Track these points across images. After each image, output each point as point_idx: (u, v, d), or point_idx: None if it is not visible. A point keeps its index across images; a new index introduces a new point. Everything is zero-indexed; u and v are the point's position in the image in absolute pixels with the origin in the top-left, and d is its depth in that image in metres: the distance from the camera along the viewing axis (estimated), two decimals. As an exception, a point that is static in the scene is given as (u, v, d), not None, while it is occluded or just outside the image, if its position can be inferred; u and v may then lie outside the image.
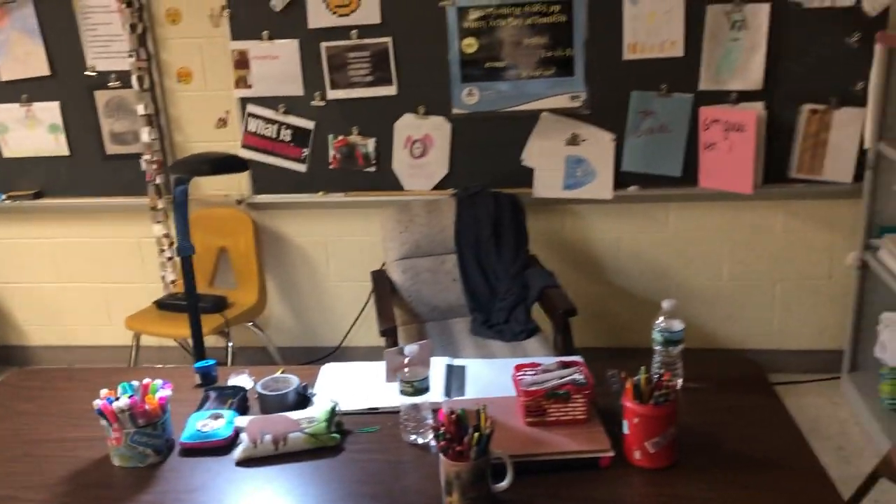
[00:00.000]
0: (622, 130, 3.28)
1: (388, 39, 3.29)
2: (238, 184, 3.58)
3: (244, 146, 3.50)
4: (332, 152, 3.47)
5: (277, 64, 3.37)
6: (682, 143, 3.26)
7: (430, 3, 3.22)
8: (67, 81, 3.51)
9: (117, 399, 1.66)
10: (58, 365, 3.97)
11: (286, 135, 3.46)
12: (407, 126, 3.39)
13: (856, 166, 3.18)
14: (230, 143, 3.53)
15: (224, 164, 1.83)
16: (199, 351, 2.40)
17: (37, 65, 3.50)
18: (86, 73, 3.48)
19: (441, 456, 1.46)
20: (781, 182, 3.25)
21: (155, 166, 3.50)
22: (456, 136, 3.37)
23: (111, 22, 3.40)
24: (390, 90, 3.35)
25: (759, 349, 3.53)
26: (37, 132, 3.60)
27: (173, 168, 1.96)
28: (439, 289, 3.07)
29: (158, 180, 3.53)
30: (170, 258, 3.62)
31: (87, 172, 3.62)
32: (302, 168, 3.50)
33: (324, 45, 3.32)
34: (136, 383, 1.73)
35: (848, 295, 3.32)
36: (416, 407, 1.71)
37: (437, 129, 3.38)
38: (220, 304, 3.36)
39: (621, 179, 3.33)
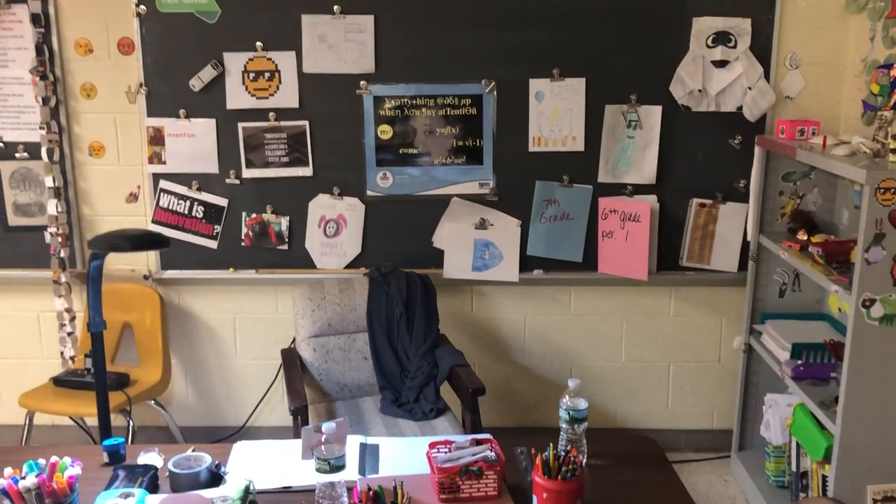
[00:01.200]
0: (528, 217, 3.45)
1: (305, 123, 3.39)
2: (146, 259, 3.54)
3: (154, 221, 3.49)
4: (244, 229, 3.49)
5: (193, 141, 3.41)
6: (583, 231, 3.46)
7: (348, 90, 3.35)
8: (-29, 150, 3.43)
9: (23, 478, 1.62)
10: (-63, 446, 3.73)
11: (198, 211, 3.48)
12: (321, 206, 3.47)
13: (739, 257, 3.44)
14: (140, 217, 3.51)
15: (144, 241, 1.85)
16: (106, 429, 2.35)
17: (-61, 132, 3.41)
18: (-8, 142, 3.42)
19: (359, 532, 1.49)
20: (673, 270, 3.48)
21: (60, 239, 3.43)
22: (369, 217, 3.47)
23: (23, 94, 3.38)
24: (306, 171, 3.43)
25: (656, 428, 3.69)
26: (-67, 200, 3.48)
27: (92, 243, 1.96)
28: (350, 367, 3.10)
29: (63, 254, 3.45)
30: (70, 333, 3.52)
31: (-15, 243, 3.51)
32: (213, 244, 3.51)
33: (241, 125, 3.39)
34: (42, 461, 1.70)
35: (735, 377, 3.54)
36: (331, 485, 1.74)
37: (351, 210, 3.47)
38: (122, 381, 3.28)
39: (526, 263, 3.48)
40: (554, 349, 3.62)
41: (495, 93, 3.36)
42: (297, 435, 2.67)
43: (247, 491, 1.76)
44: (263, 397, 3.68)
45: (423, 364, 3.05)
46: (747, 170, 3.34)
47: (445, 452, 1.79)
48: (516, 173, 3.42)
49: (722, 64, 3.28)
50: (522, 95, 3.35)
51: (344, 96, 3.36)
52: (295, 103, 3.37)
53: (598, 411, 3.66)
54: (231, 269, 3.52)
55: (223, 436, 3.70)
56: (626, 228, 3.38)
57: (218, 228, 3.49)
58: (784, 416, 3.21)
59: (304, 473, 1.88)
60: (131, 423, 3.22)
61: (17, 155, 3.43)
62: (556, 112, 3.36)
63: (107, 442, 1.97)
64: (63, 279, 3.47)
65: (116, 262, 3.53)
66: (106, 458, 1.97)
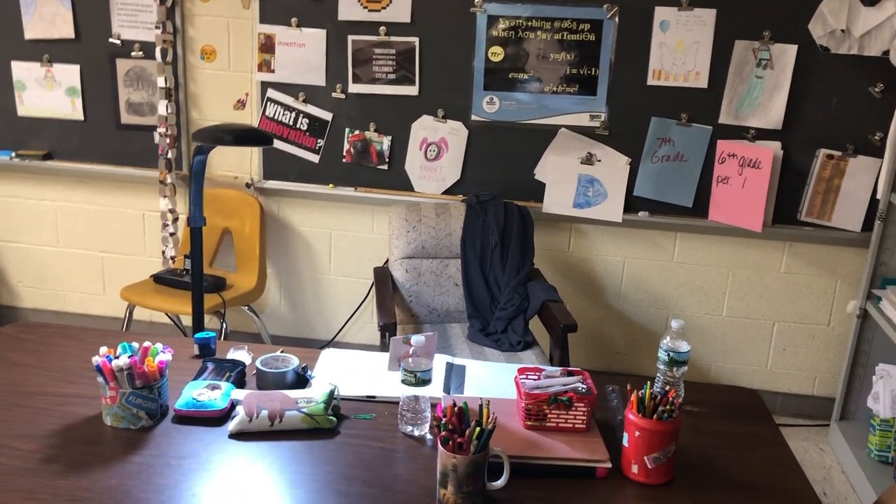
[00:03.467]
0: (638, 155, 3.29)
1: (415, 39, 3.29)
2: (249, 166, 3.57)
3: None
4: (346, 146, 3.46)
5: (303, 52, 3.37)
6: (696, 174, 3.27)
7: (461, 8, 3.23)
8: (90, 46, 3.50)
9: (117, 358, 1.64)
10: (46, 329, 3.93)
11: (303, 123, 3.46)
12: (424, 128, 3.39)
13: (865, 216, 3.18)
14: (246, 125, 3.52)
15: (248, 136, 1.82)
16: (199, 323, 2.38)
17: (62, 27, 3.49)
18: (110, 40, 3.47)
19: (439, 447, 1.45)
20: (789, 224, 3.26)
21: (168, 140, 3.48)
22: (471, 143, 3.37)
23: (142, -8, 3.40)
24: (412, 90, 3.35)
25: (751, 388, 3.51)
26: (54, 94, 3.58)
27: (197, 135, 1.95)
28: (440, 291, 3.05)
29: (170, 154, 3.51)
30: (172, 234, 3.60)
31: (99, 139, 3.60)
32: (315, 158, 3.49)
33: (351, 38, 3.33)
34: (135, 345, 1.72)
35: (844, 343, 3.33)
36: (415, 398, 1.69)
37: (454, 134, 3.38)
38: (218, 285, 3.34)
39: (631, 204, 3.33)
40: (651, 296, 3.48)
41: (617, 19, 3.17)
42: (384, 350, 2.67)
43: (331, 395, 1.74)
44: (353, 314, 3.70)
45: (513, 296, 2.98)
46: (886, 122, 3.07)
47: (534, 379, 1.72)
48: (631, 107, 3.24)
49: (872, 2, 2.98)
50: (646, 24, 3.16)
51: (457, 14, 3.24)
52: (407, 18, 3.27)
53: (692, 364, 3.52)
54: (330, 185, 3.50)
55: (311, 348, 3.74)
56: (745, 175, 3.17)
57: (321, 143, 3.47)
58: (894, 388, 2.99)
59: (388, 385, 1.85)
60: (224, 325, 3.28)
61: (132, 53, 3.48)
62: (680, 44, 3.15)
63: (198, 335, 1.99)
64: (169, 180, 3.53)
65: (220, 168, 3.57)
66: (196, 351, 1.99)
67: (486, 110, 3.33)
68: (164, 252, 3.64)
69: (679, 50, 3.16)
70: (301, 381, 1.88)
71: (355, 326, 3.73)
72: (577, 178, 3.34)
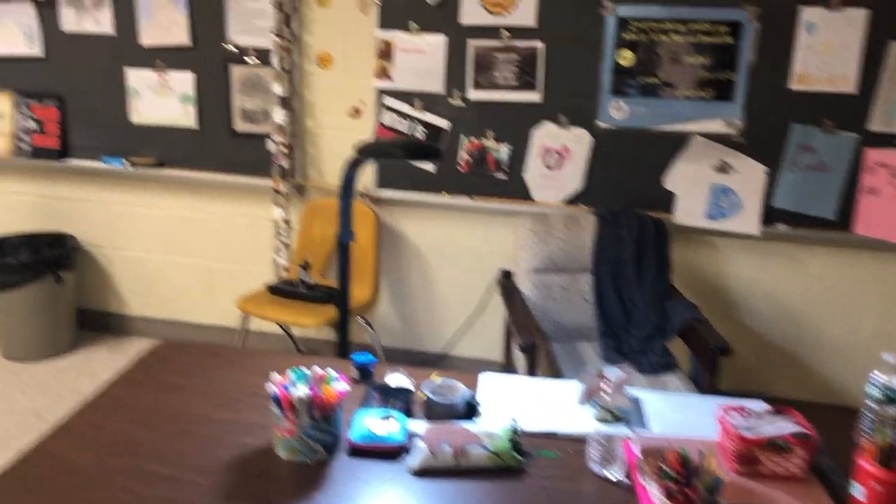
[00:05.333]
0: (776, 164, 3.09)
1: (539, 43, 3.16)
2: (363, 176, 3.48)
3: (375, 138, 3.40)
4: (463, 154, 3.35)
5: (422, 58, 3.27)
6: (840, 185, 3.06)
7: (590, 10, 3.09)
8: (205, 53, 3.46)
9: (294, 386, 1.54)
10: (153, 337, 3.92)
11: (419, 132, 3.36)
12: (546, 135, 3.26)
13: None
14: (361, 134, 3.44)
15: (419, 150, 1.71)
16: (344, 344, 2.29)
17: (178, 34, 3.46)
18: (225, 46, 3.43)
19: (659, 497, 1.31)
20: (944, 238, 3.02)
21: (283, 148, 3.42)
22: (596, 151, 3.22)
23: (258, -2, 3.34)
24: (534, 96, 3.22)
25: None
26: (167, 101, 3.55)
27: (363, 149, 1.85)
28: (569, 307, 2.91)
29: (285, 163, 3.45)
30: (285, 243, 3.54)
31: (212, 147, 3.56)
32: (430, 167, 3.39)
33: (472, 42, 3.21)
34: (306, 371, 1.62)
35: None
36: (608, 437, 1.56)
37: (577, 142, 3.24)
38: (332, 296, 3.26)
39: (768, 215, 3.14)
40: (785, 313, 3.28)
41: (757, 21, 2.98)
42: (507, 369, 2.53)
43: (514, 431, 1.61)
44: (465, 327, 3.58)
45: (651, 313, 2.82)
46: None
47: (743, 419, 1.57)
48: (770, 114, 3.05)
49: None
50: (789, 25, 2.97)
51: (585, 16, 3.10)
52: (531, 22, 3.15)
53: (822, 385, 3.31)
54: (445, 194, 3.39)
55: (421, 360, 3.65)
56: (897, 186, 2.95)
57: (437, 150, 3.35)
58: None
59: (567, 418, 1.72)
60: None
61: (247, 60, 3.43)
62: (827, 46, 2.95)
63: (358, 358, 1.89)
64: (283, 188, 3.47)
65: (334, 176, 3.50)
66: (356, 374, 1.89)
67: (613, 116, 3.18)
68: (276, 262, 3.58)
69: (825, 52, 2.96)
70: (470, 409, 1.76)
71: (466, 338, 3.62)
72: (709, 187, 3.17)
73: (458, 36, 3.21)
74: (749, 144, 3.10)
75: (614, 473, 1.56)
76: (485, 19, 3.18)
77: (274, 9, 3.29)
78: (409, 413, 1.75)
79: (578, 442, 1.66)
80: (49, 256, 3.56)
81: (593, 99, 3.18)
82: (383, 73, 3.32)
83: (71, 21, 3.54)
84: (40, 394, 3.35)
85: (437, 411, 1.74)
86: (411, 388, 1.83)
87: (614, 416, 1.52)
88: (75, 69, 3.59)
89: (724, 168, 3.14)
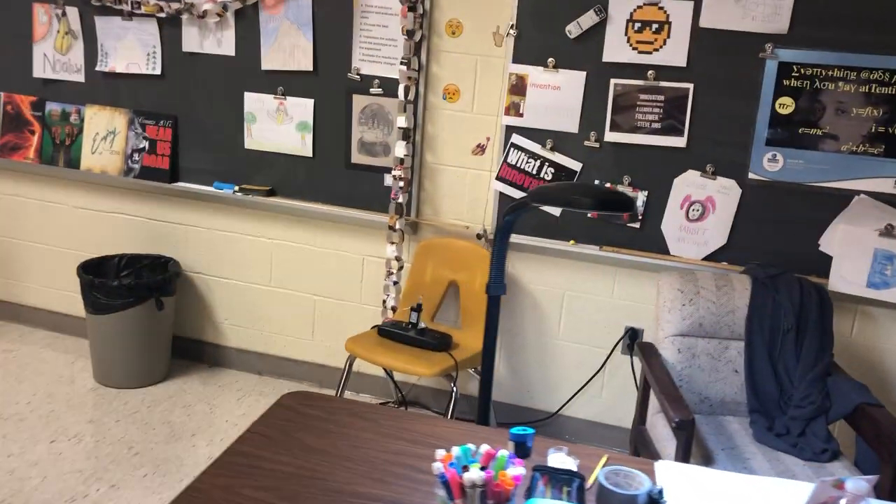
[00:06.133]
0: (953, 231, 2.76)
1: (689, 85, 2.92)
2: (483, 216, 3.28)
3: (499, 178, 3.20)
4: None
5: (557, 95, 3.06)
6: None
7: (748, 52, 2.84)
8: (327, 81, 3.32)
9: (465, 469, 1.31)
10: (247, 370, 3.76)
11: (547, 173, 3.14)
12: (689, 184, 3.00)
13: None
14: (483, 172, 3.25)
15: (611, 200, 1.48)
16: (487, 410, 2.05)
17: (301, 59, 3.33)
18: (348, 74, 3.28)
19: None
20: None
21: (402, 183, 3.24)
22: (744, 204, 2.94)
23: (387, 25, 3.20)
24: (679, 142, 2.97)
25: None
26: (284, 128, 3.42)
27: (536, 195, 1.63)
28: (716, 378, 2.62)
29: (402, 199, 3.26)
30: (395, 283, 3.34)
31: (326, 178, 3.41)
32: (556, 211, 3.16)
33: (613, 81, 2.99)
34: (471, 447, 1.39)
35: None
36: (840, 559, 1.28)
37: (724, 193, 2.96)
38: (445, 343, 3.04)
39: (940, 288, 2.80)
40: (952, 398, 2.91)
41: (942, 72, 2.68)
42: (637, 440, 2.20)
43: (717, 540, 1.34)
44: (584, 387, 3.31)
45: (811, 392, 2.50)
46: None
47: None
48: (949, 175, 2.73)
49: None
50: (979, 78, 2.65)
51: (742, 59, 2.85)
52: (681, 62, 2.91)
53: None
54: (571, 242, 3.15)
55: (531, 418, 3.39)
56: None
57: (565, 194, 3.12)
58: None
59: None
60: (455, 390, 2.96)
61: (371, 90, 3.27)
62: None
63: (515, 431, 1.65)
64: (398, 226, 3.29)
65: (449, 215, 3.30)
66: (511, 450, 1.65)
67: (767, 168, 2.90)
68: (384, 301, 3.38)
69: None
70: (653, 505, 1.49)
71: (581, 399, 3.34)
72: (872, 252, 2.84)
73: (599, 73, 3.00)
74: (922, 207, 2.78)
75: None
76: (630, 57, 2.95)
77: (404, 37, 3.14)
78: (582, 503, 1.50)
79: (794, 559, 1.37)
80: (151, 281, 3.45)
81: (745, 148, 2.91)
82: (513, 110, 3.12)
83: (193, 40, 3.46)
84: (132, 423, 3.21)
85: (611, 502, 1.48)
86: (578, 471, 1.58)
87: (856, 538, 1.25)
88: (192, 90, 3.50)
89: (890, 232, 2.82)
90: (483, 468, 1.32)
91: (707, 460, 2.27)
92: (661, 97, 2.96)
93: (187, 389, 3.56)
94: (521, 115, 3.12)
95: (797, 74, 2.82)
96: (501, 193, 3.21)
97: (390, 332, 3.11)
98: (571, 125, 3.08)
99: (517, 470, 1.34)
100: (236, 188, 3.52)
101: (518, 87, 3.10)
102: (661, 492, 1.52)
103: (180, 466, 2.94)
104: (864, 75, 2.76)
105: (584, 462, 1.64)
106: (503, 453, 1.38)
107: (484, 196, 3.27)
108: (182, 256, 3.74)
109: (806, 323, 2.61)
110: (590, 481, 1.58)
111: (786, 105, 2.85)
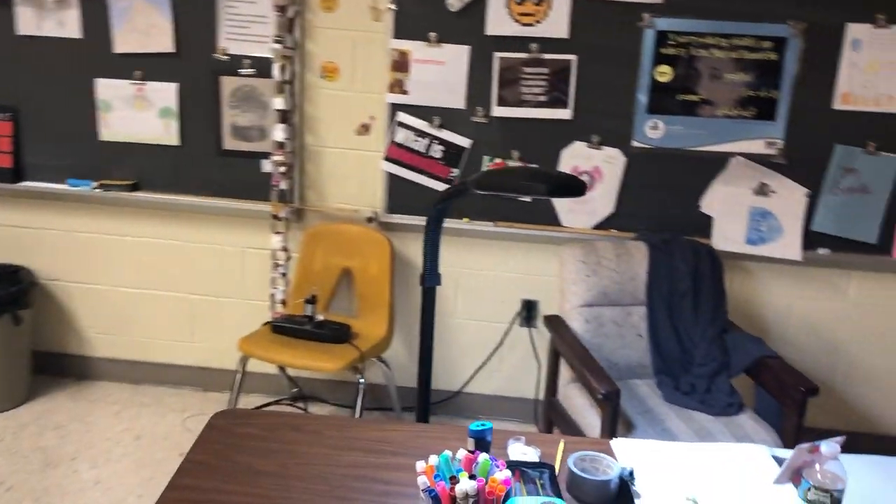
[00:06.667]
0: (818, 186, 2.96)
1: (572, 57, 2.93)
2: (372, 199, 3.16)
3: (387, 158, 3.09)
4: (484, 175, 3.07)
5: (441, 70, 2.98)
6: (883, 208, 2.95)
7: (627, 22, 2.89)
8: (191, 62, 3.06)
9: (454, 481, 1.23)
10: (121, 381, 3.46)
11: (436, 151, 3.07)
12: (576, 155, 3.03)
13: None
14: (370, 153, 3.13)
15: (565, 185, 1.42)
16: (426, 408, 1.96)
17: (160, 39, 3.05)
18: (215, 55, 3.05)
19: None
20: (982, 261, 2.95)
21: (283, 169, 3.06)
22: (628, 173, 3.01)
23: (256, 1, 2.98)
24: (564, 114, 2.99)
25: (928, 440, 3.22)
26: (145, 115, 3.14)
27: (478, 182, 1.55)
28: (622, 344, 2.68)
29: (284, 185, 3.09)
30: (283, 274, 3.17)
31: (196, 167, 3.17)
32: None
33: (498, 55, 2.95)
34: (449, 453, 1.31)
35: None
36: (816, 520, 1.32)
37: (610, 162, 3.02)
38: (345, 334, 2.92)
39: (808, 240, 3.00)
40: (820, 341, 3.15)
41: (802, 37, 2.84)
42: (550, 410, 2.20)
43: (700, 516, 1.35)
44: (484, 363, 3.30)
45: (712, 350, 2.62)
46: None
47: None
48: (812, 134, 2.92)
49: None
50: (835, 42, 2.84)
51: (622, 29, 2.89)
52: (563, 33, 2.92)
53: (863, 415, 3.20)
54: (465, 220, 3.11)
55: (433, 399, 3.34)
56: (944, 209, 2.86)
57: (455, 172, 3.08)
58: None
59: (748, 494, 1.47)
60: (362, 381, 2.86)
61: (241, 71, 3.06)
62: (873, 65, 2.84)
63: (474, 427, 1.59)
64: (283, 214, 3.11)
65: (337, 199, 3.17)
66: (471, 446, 1.59)
67: (649, 136, 2.98)
68: (273, 295, 3.20)
69: (871, 71, 2.85)
70: (623, 488, 1.49)
71: (482, 375, 3.33)
72: (748, 211, 3.00)
73: (483, 47, 2.95)
74: (790, 166, 2.96)
75: (828, 564, 1.32)
76: (512, 29, 2.92)
77: (275, 13, 2.94)
78: (557, 495, 1.46)
79: (767, 524, 1.41)
80: (3, 293, 3.07)
81: (628, 117, 2.97)
82: (397, 87, 3.02)
83: (29, 22, 3.08)
84: (0, 455, 2.87)
85: (585, 490, 1.46)
86: (544, 461, 1.54)
87: (832, 499, 1.28)
88: (33, 78, 3.12)
89: (763, 191, 2.99)
90: (472, 476, 1.25)
91: (628, 427, 2.32)
92: (546, 70, 2.96)
93: (55, 409, 3.23)
94: (406, 93, 3.03)
95: (673, 43, 2.90)
96: (391, 174, 3.10)
97: (285, 328, 2.95)
98: (458, 101, 3.02)
99: (504, 474, 1.28)
100: (94, 184, 3.19)
101: (401, 64, 3.00)
102: (631, 473, 1.51)
103: (64, 496, 2.66)
104: (735, 42, 2.88)
105: (543, 449, 1.60)
106: (485, 457, 1.32)
107: (372, 178, 3.15)
108: (35, 264, 3.36)
109: (701, 284, 2.71)
110: (556, 469, 1.54)
111: (664, 73, 2.93)
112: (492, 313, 3.26)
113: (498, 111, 3.01)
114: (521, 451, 1.60)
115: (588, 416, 2.41)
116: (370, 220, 3.16)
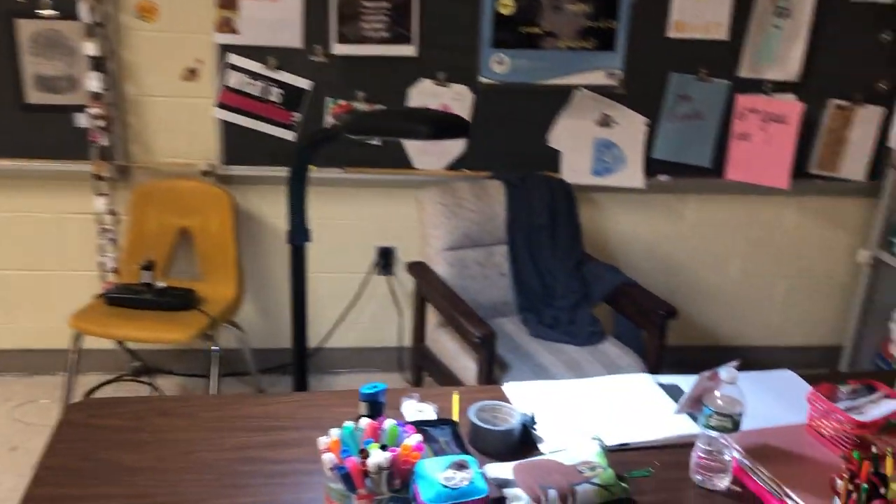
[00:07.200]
0: (656, 115, 3.05)
1: (413, -10, 2.81)
2: (205, 150, 2.91)
3: (220, 105, 2.85)
4: (329, 119, 2.92)
5: (274, 7, 2.76)
6: (715, 132, 3.10)
7: (467, -47, 2.79)
8: (-24, 3, 2.64)
9: (364, 454, 1.14)
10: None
11: (275, 95, 2.86)
12: (424, 94, 2.93)
13: (871, 166, 3.19)
14: (200, 99, 2.87)
15: (449, 125, 1.30)
16: (303, 376, 1.82)
17: (-67, -24, 2.60)
18: (5, -6, 2.64)
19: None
20: (799, 177, 3.18)
21: (102, 123, 2.74)
22: (477, 110, 2.96)
23: (50, -70, 2.60)
24: (408, 50, 2.87)
25: (757, 346, 3.48)
26: (-76, 68, 2.69)
27: (348, 125, 1.40)
28: (486, 284, 2.66)
29: (104, 141, 2.77)
30: (112, 240, 2.87)
31: (-4, 126, 2.77)
32: (290, 136, 2.92)
33: (335, -12, 2.77)
34: (351, 424, 1.22)
35: (847, 293, 3.36)
36: (713, 442, 1.35)
37: (459, 100, 2.95)
38: (191, 300, 2.71)
39: (649, 167, 3.10)
40: (663, 263, 3.30)
41: (637, -34, 2.88)
42: (420, 358, 2.13)
43: (605, 450, 1.34)
44: (343, 316, 3.19)
45: (571, 282, 2.66)
46: (892, 69, 3.06)
47: (846, 400, 1.43)
48: (649, 63, 2.99)
49: (887, -52, 2.93)
50: (667, -30, 2.90)
51: (462, -40, 2.79)
52: (403, -35, 2.77)
53: (697, 328, 3.41)
54: (311, 167, 2.94)
55: (289, 359, 3.19)
56: (768, 131, 3.04)
57: (297, 116, 2.89)
58: (918, 333, 3.05)
59: (648, 425, 1.48)
60: (216, 350, 2.67)
61: (40, 12, 2.67)
62: (702, -7, 2.93)
63: (366, 389, 1.48)
64: (105, 174, 2.80)
65: (165, 153, 2.89)
66: (365, 411, 1.49)
67: (495, 71, 2.93)
68: (102, 264, 2.90)
69: (700, -1, 2.94)
70: (525, 435, 1.46)
71: (341, 328, 3.22)
72: (593, 142, 3.05)
73: (318, -19, 2.75)
74: (630, 96, 3.02)
75: (723, 483, 1.35)
76: (349, -39, 2.74)
77: (76, -55, 2.58)
78: (464, 451, 1.40)
79: (660, 449, 1.43)
80: None
81: (473, 52, 2.90)
82: (226, 26, 2.76)
83: None
84: None
85: (491, 443, 1.42)
86: (443, 417, 1.48)
87: (733, 422, 1.31)
88: None
89: (606, 122, 3.04)
90: (384, 447, 1.15)
91: (503, 367, 2.31)
92: (387, 4, 2.81)
93: None
94: (236, 32, 2.78)
95: (514, -26, 2.83)
96: (226, 122, 2.86)
97: (122, 299, 2.68)
98: (295, 39, 2.81)
99: (415, 438, 1.20)
100: None
101: (228, 1, 2.74)
102: (532, 418, 1.48)
103: None
104: (573, -28, 2.86)
105: (438, 403, 1.53)
106: (392, 423, 1.22)
107: (204, 127, 2.89)
108: None
109: (558, 219, 2.73)
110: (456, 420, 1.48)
111: (506, 5, 2.87)
112: (347, 264, 3.14)
113: (339, 49, 2.83)
114: (416, 408, 1.52)
115: (462, 360, 2.38)
116: (206, 173, 2.91)
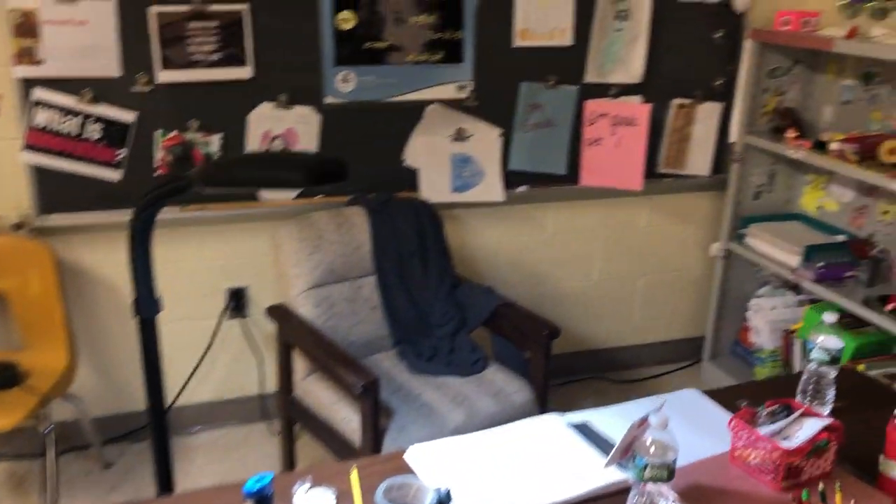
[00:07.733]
0: (509, 125, 2.98)
1: (243, 6, 2.56)
2: (14, 200, 2.52)
3: (28, 147, 2.47)
4: (159, 154, 2.61)
5: (83, 32, 2.43)
6: (566, 139, 3.07)
7: (299, -36, 2.58)
8: None
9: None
10: None
11: (93, 131, 2.53)
12: (265, 118, 2.69)
13: (713, 160, 3.28)
14: (4, 141, 2.47)
15: (327, 170, 1.08)
16: (168, 474, 1.53)
17: None
18: None
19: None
20: (649, 177, 3.22)
21: None
22: (326, 131, 2.76)
23: None
24: (243, 72, 2.62)
25: (624, 346, 3.51)
26: None
27: (208, 176, 1.15)
28: (357, 320, 2.47)
29: None
30: None
31: None
32: (115, 176, 2.59)
33: (153, 9, 2.47)
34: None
35: (701, 285, 3.46)
36: (647, 493, 1.24)
37: (304, 122, 2.74)
38: (12, 376, 2.33)
39: (508, 179, 3.03)
40: (528, 274, 3.24)
41: (478, -26, 2.79)
42: (288, 408, 1.90)
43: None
44: (196, 369, 2.88)
45: (447, 308, 2.52)
46: (726, 67, 3.16)
47: (769, 425, 1.37)
48: (498, 73, 2.91)
49: (712, -51, 3.02)
50: (507, -22, 2.83)
51: (295, -28, 2.58)
52: (229, -20, 2.52)
53: (571, 336, 3.39)
54: (144, 208, 2.61)
55: (139, 424, 2.85)
56: (618, 134, 3.05)
57: (122, 153, 2.57)
58: (771, 319, 3.18)
59: (570, 478, 1.36)
60: (50, 428, 2.30)
61: None
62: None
63: (251, 485, 1.26)
64: None
65: (-33, 208, 2.48)
66: (251, 510, 1.26)
67: (341, 90, 2.75)
68: None
69: (543, 6, 2.89)
70: (441, 509, 1.29)
71: (195, 381, 2.92)
72: (450, 158, 2.94)
73: (132, 1, 2.44)
74: (482, 108, 2.93)
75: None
76: (167, -22, 2.46)
77: None
78: (374, 545, 1.22)
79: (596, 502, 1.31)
80: None
81: (316, 71, 2.70)
82: (27, 57, 2.39)
83: None
84: None
85: (407, 529, 1.24)
86: (329, 502, 1.28)
87: (669, 471, 1.20)
88: None
89: (461, 136, 2.93)
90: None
91: (387, 413, 2.13)
92: (215, 23, 2.55)
93: None
94: (40, 62, 2.41)
95: (352, -15, 2.66)
96: (37, 167, 2.49)
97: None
98: (111, 68, 2.49)
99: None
100: None
101: (26, 27, 2.37)
102: (448, 493, 1.31)
103: None
104: (413, -18, 2.72)
105: (334, 484, 1.33)
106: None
107: (11, 173, 2.50)
108: None
109: (426, 242, 2.58)
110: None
111: (347, 19, 2.69)
112: (195, 310, 2.84)
113: (164, 76, 2.54)
114: (315, 497, 1.31)
115: (341, 411, 2.18)
116: (18, 226, 2.52)
